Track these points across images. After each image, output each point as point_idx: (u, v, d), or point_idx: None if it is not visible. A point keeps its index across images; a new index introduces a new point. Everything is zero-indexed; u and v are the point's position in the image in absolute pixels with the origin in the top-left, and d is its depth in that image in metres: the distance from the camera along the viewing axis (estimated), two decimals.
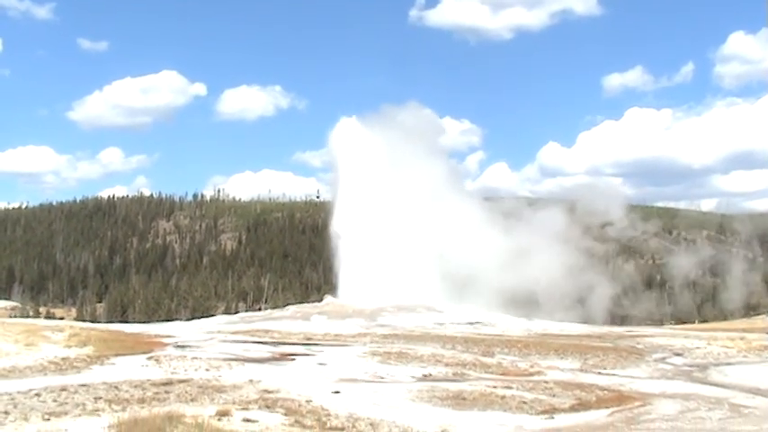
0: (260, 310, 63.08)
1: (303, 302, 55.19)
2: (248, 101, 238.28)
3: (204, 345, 25.05)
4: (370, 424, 13.24)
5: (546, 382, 19.94)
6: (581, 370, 23.44)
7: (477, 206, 62.43)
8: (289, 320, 39.32)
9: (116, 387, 15.50)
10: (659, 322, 72.16)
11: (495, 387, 18.34)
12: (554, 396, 17.74)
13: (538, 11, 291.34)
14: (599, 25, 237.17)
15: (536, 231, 59.96)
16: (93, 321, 58.32)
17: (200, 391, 15.50)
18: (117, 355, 20.74)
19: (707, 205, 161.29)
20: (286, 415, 12.97)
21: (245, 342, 26.73)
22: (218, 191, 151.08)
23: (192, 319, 54.15)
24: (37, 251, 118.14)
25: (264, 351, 24.08)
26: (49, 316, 74.07)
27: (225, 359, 20.92)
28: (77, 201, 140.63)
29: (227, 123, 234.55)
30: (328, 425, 12.80)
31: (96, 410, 12.81)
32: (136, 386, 15.77)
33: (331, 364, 21.48)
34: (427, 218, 53.68)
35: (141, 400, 14.13)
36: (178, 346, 23.95)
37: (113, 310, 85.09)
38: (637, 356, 26.83)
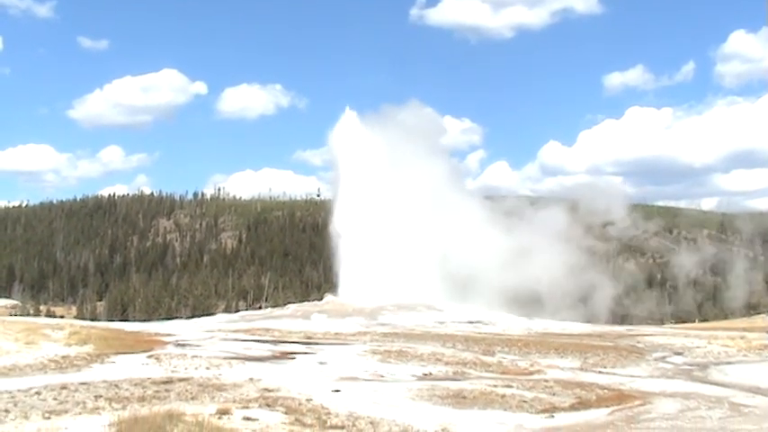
0: (260, 308, 63.13)
1: (303, 301, 55.21)
2: (249, 99, 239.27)
3: (204, 343, 25.05)
4: (371, 422, 13.24)
5: (546, 380, 19.94)
6: (581, 369, 23.44)
7: (479, 205, 62.42)
8: (289, 319, 39.33)
9: (116, 385, 15.50)
10: (659, 321, 72.18)
11: (495, 386, 18.34)
12: (554, 395, 17.74)
13: (539, 9, 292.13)
14: (600, 24, 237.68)
15: (538, 230, 59.96)
16: (93, 320, 58.28)
17: (200, 390, 15.50)
18: (117, 353, 20.73)
19: (707, 204, 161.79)
20: (286, 413, 12.97)
21: (246, 340, 26.72)
22: (219, 189, 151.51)
23: (193, 317, 54.17)
24: (37, 250, 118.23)
25: (265, 349, 24.08)
26: (50, 314, 74.10)
27: (225, 358, 20.92)
28: (78, 199, 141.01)
29: (227, 122, 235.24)
30: (328, 423, 12.80)
31: (97, 409, 12.82)
32: (136, 384, 15.77)
33: (331, 362, 21.48)
34: (428, 217, 53.66)
35: (141, 399, 14.13)
36: (178, 345, 23.95)
37: (114, 308, 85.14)
38: (637, 355, 26.82)
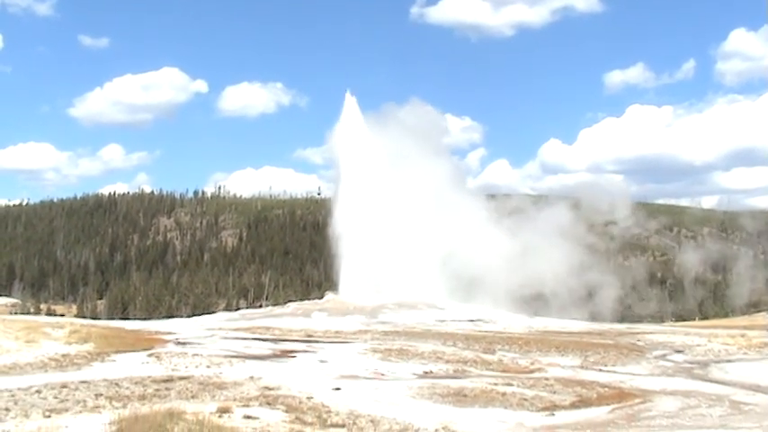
0: (261, 307, 63.13)
1: (304, 299, 55.20)
2: (249, 98, 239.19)
3: (205, 342, 25.05)
4: (371, 421, 13.23)
5: (547, 379, 19.93)
6: (582, 367, 23.43)
7: (481, 204, 62.31)
8: (289, 317, 39.33)
9: (117, 384, 15.50)
10: (660, 319, 72.22)
11: (495, 384, 18.33)
12: (555, 393, 17.73)
13: (539, 8, 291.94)
14: (600, 22, 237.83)
15: (542, 229, 59.91)
16: (93, 318, 58.41)
17: (200, 388, 15.50)
18: (117, 351, 20.73)
19: (708, 202, 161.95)
20: (287, 412, 12.96)
21: (246, 339, 26.73)
22: (219, 188, 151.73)
23: (193, 316, 54.18)
24: (37, 248, 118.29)
25: (265, 348, 24.08)
26: (50, 313, 74.17)
27: (226, 356, 20.91)
28: (78, 198, 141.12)
29: (228, 120, 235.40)
30: (329, 422, 12.80)
31: (97, 407, 12.81)
32: (136, 383, 15.77)
33: (332, 361, 21.47)
34: (430, 215, 53.59)
35: (142, 397, 14.13)
36: (179, 343, 23.94)
37: (114, 306, 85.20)
38: (637, 353, 26.81)
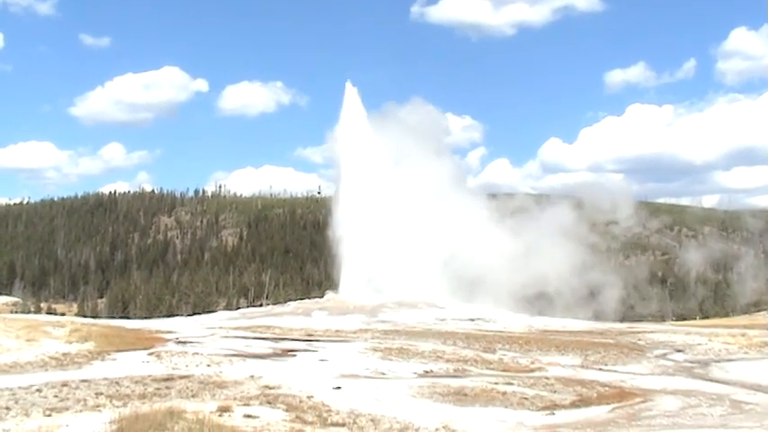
0: (261, 305, 63.08)
1: (304, 298, 55.13)
2: (250, 97, 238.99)
3: (205, 340, 25.04)
4: (371, 420, 13.23)
5: (547, 378, 19.92)
6: (582, 366, 23.43)
7: (483, 204, 62.18)
8: (290, 316, 39.33)
9: (117, 383, 15.50)
10: (661, 318, 72.23)
11: (496, 383, 18.32)
12: (555, 392, 17.73)
13: (540, 7, 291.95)
14: (601, 21, 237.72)
15: (543, 229, 59.84)
16: (94, 317, 58.39)
17: (201, 387, 15.50)
18: (118, 350, 20.72)
19: (708, 201, 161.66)
20: (287, 411, 12.96)
21: (246, 338, 26.73)
22: (220, 187, 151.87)
23: (193, 314, 54.20)
24: (38, 247, 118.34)
25: (265, 347, 24.08)
26: (51, 312, 74.24)
27: (226, 355, 20.91)
28: (79, 196, 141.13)
29: (228, 119, 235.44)
30: (329, 421, 12.79)
31: (97, 406, 12.81)
32: (137, 382, 15.77)
33: (332, 360, 21.46)
34: (431, 214, 53.51)
35: (142, 396, 14.12)
36: (179, 342, 23.93)
37: (114, 305, 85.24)
38: (638, 353, 26.81)
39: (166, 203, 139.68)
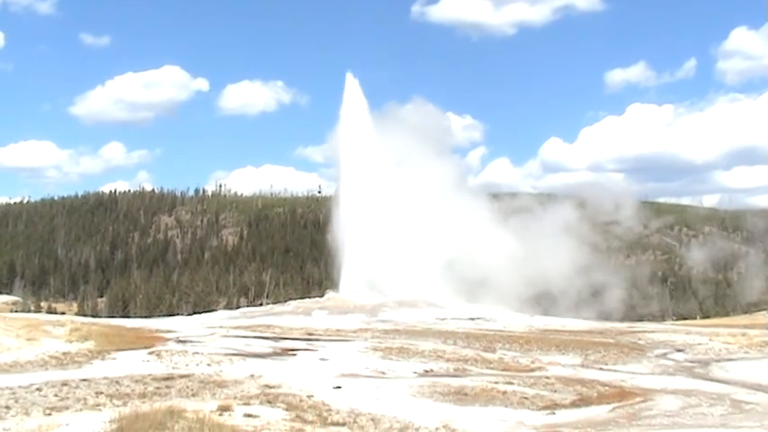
0: (261, 305, 63.05)
1: (304, 298, 55.12)
2: (250, 96, 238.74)
3: (205, 340, 25.04)
4: (372, 419, 13.22)
5: (547, 377, 19.92)
6: (582, 366, 23.43)
7: (484, 204, 62.11)
8: (290, 315, 39.34)
9: (117, 382, 15.49)
10: (661, 318, 72.21)
11: (496, 383, 18.32)
12: (555, 392, 17.72)
13: (540, 6, 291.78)
14: (601, 21, 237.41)
15: (545, 228, 59.81)
16: (94, 316, 58.38)
17: (201, 386, 15.50)
18: (118, 349, 20.72)
19: (709, 201, 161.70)
20: (287, 410, 12.95)
21: (247, 337, 26.72)
22: (220, 186, 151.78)
23: (194, 314, 54.16)
24: (38, 246, 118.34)
25: (266, 346, 24.07)
26: (51, 311, 74.28)
27: (226, 354, 20.91)
28: (79, 196, 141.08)
29: (228, 118, 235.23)
30: (329, 420, 12.79)
31: (97, 405, 12.81)
32: (137, 381, 15.77)
33: (332, 359, 21.46)
34: (432, 215, 53.47)
35: (142, 395, 14.12)
36: (179, 341, 23.93)
37: (114, 305, 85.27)
38: (638, 352, 26.81)
39: (167, 203, 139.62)
